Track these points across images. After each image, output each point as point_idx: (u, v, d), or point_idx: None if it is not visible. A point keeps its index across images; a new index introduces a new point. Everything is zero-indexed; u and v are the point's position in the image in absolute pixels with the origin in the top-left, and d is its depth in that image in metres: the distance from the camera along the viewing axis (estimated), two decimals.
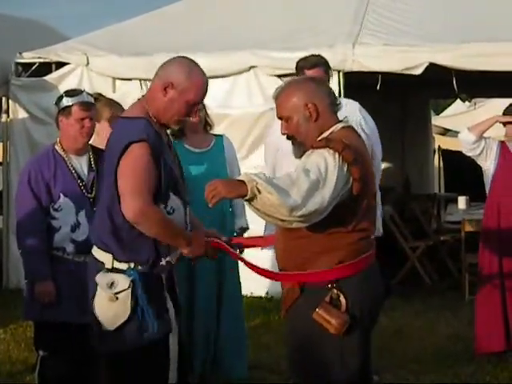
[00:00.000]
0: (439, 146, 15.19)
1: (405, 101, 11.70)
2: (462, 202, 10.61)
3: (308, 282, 3.60)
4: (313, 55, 5.64)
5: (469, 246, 8.44)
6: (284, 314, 3.77)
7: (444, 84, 8.35)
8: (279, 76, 8.23)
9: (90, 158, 4.81)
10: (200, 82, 3.74)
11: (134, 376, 3.74)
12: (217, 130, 5.92)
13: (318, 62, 5.43)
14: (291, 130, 3.68)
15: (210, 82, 3.87)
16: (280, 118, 3.72)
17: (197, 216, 3.99)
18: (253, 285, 7.03)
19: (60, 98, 4.75)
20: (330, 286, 3.57)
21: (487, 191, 6.30)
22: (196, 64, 3.78)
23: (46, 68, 9.12)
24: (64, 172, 4.72)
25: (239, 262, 5.32)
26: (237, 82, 8.49)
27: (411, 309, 7.96)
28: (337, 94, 5.39)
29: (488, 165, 6.20)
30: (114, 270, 3.70)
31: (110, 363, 3.80)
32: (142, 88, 8.68)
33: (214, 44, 8.56)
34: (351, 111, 5.48)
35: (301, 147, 3.67)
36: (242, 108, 8.45)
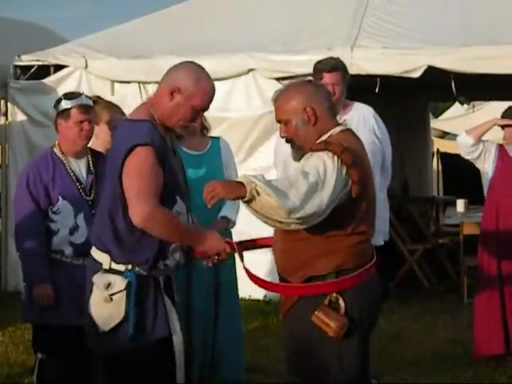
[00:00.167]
0: (438, 149, 15.21)
1: (403, 104, 11.69)
2: (460, 204, 10.64)
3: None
4: (331, 58, 5.62)
5: (467, 248, 8.44)
6: (282, 318, 3.77)
7: (443, 87, 8.36)
8: (278, 79, 8.25)
9: (88, 161, 4.80)
10: (207, 88, 3.72)
11: (129, 377, 3.74)
12: (215, 132, 5.91)
13: (336, 65, 5.40)
14: (290, 134, 3.69)
15: None
16: (279, 121, 3.72)
17: None
18: (251, 288, 7.00)
19: (59, 101, 4.75)
20: None
21: (485, 194, 6.30)
22: (204, 70, 3.76)
23: (44, 71, 9.13)
24: (63, 175, 4.72)
25: (236, 264, 5.37)
26: (235, 84, 8.50)
27: (409, 312, 7.96)
28: (344, 97, 5.43)
29: (486, 168, 6.21)
30: (111, 270, 3.70)
31: (106, 364, 3.80)
32: (140, 91, 8.69)
33: (212, 47, 8.56)
34: (364, 116, 5.50)
35: (299, 150, 3.67)
36: (241, 111, 8.45)
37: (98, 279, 3.70)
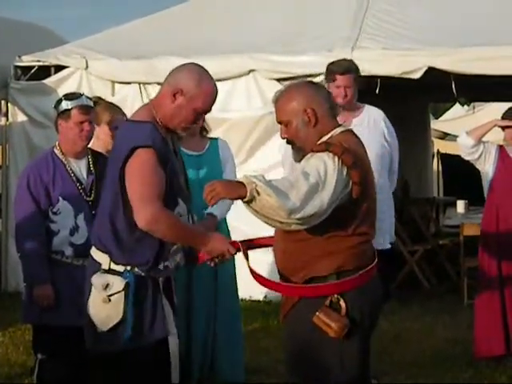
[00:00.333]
0: (438, 150, 15.22)
1: (404, 105, 11.69)
2: (460, 205, 10.64)
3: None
4: (344, 59, 5.61)
5: (467, 249, 8.44)
6: (283, 319, 3.77)
7: (443, 88, 8.36)
8: (278, 80, 8.24)
9: (89, 162, 4.80)
10: (209, 90, 3.72)
11: (126, 378, 3.75)
12: (216, 133, 5.91)
13: (350, 67, 5.39)
14: (290, 135, 3.69)
15: None
16: (279, 122, 3.72)
17: None
18: (251, 289, 7.02)
19: (59, 102, 4.75)
20: None
21: (486, 195, 6.30)
22: (206, 72, 3.76)
23: (45, 71, 9.13)
24: (63, 175, 4.72)
25: (235, 265, 5.37)
26: (236, 85, 8.50)
27: (410, 313, 7.96)
28: (355, 100, 5.44)
29: (487, 169, 6.20)
30: (110, 271, 3.71)
31: (103, 364, 3.80)
32: (141, 91, 8.69)
33: (213, 47, 8.57)
34: (375, 118, 5.50)
35: (300, 151, 3.67)
36: (241, 112, 8.45)
37: (97, 280, 3.71)
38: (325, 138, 3.64)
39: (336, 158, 3.50)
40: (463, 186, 11.05)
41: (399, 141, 5.71)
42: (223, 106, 8.16)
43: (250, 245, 3.89)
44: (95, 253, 3.78)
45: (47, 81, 9.03)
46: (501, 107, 7.31)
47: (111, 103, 5.39)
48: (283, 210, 3.37)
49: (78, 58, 8.96)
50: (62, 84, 8.91)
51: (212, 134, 5.68)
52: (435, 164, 14.97)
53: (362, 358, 3.66)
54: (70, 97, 4.77)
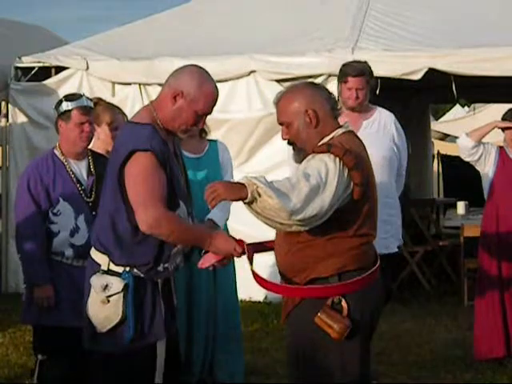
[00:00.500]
0: (438, 151, 15.20)
1: (404, 106, 11.69)
2: (460, 207, 10.61)
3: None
4: (359, 62, 5.60)
5: (468, 251, 8.43)
6: (284, 319, 3.76)
7: (443, 89, 8.37)
8: (279, 81, 8.24)
9: (89, 163, 4.80)
10: (210, 92, 3.70)
11: (125, 378, 3.74)
12: (216, 134, 5.91)
13: (363, 70, 5.39)
14: (292, 136, 3.69)
15: None
16: (281, 123, 3.72)
17: None
18: (251, 290, 7.02)
19: (59, 103, 4.74)
20: None
21: (486, 196, 6.30)
22: (207, 74, 3.74)
23: (45, 72, 9.13)
24: (63, 176, 4.72)
25: (235, 266, 5.37)
26: (236, 86, 8.50)
27: (410, 314, 7.96)
28: (367, 102, 5.43)
29: (487, 170, 6.20)
30: (109, 272, 3.70)
31: (101, 364, 3.80)
32: (141, 92, 8.69)
33: (213, 48, 8.57)
34: (385, 121, 5.50)
35: (301, 152, 3.67)
36: (242, 113, 8.45)
37: (96, 280, 3.70)
38: (326, 139, 3.64)
39: (337, 160, 3.50)
40: (463, 187, 11.05)
41: None
42: (223, 107, 8.17)
43: (256, 248, 3.86)
44: (94, 253, 3.78)
45: (47, 82, 9.03)
46: (501, 108, 7.32)
47: (111, 104, 5.39)
48: (284, 212, 3.36)
49: (79, 59, 8.96)
50: (63, 85, 8.92)
51: (212, 135, 5.68)
52: (435, 165, 14.95)
53: (363, 359, 3.66)
54: (70, 98, 4.77)
